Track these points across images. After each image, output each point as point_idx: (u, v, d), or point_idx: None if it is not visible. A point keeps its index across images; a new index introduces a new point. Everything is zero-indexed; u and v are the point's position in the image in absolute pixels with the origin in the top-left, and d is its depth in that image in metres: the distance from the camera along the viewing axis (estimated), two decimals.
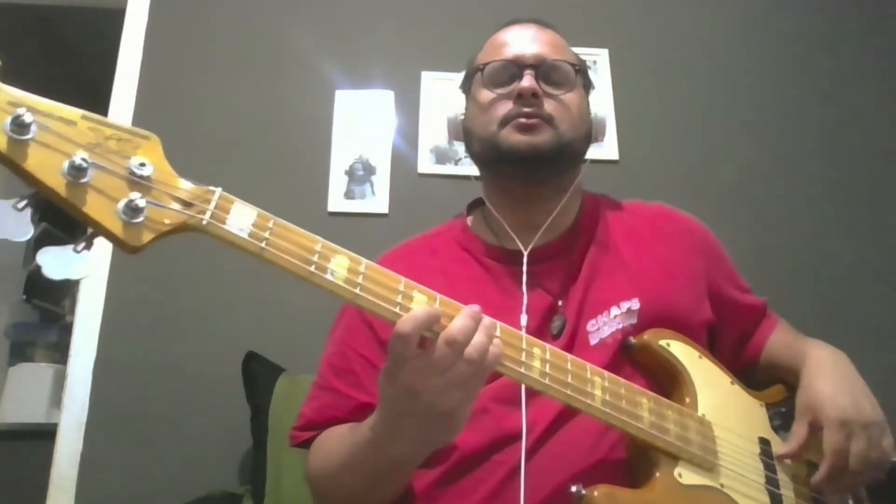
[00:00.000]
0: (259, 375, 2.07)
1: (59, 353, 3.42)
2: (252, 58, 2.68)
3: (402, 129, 2.62)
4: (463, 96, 1.34)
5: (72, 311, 2.92)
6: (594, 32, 2.72)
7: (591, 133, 1.28)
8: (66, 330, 2.81)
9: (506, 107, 1.20)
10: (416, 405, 0.82)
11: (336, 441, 1.07)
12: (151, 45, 2.66)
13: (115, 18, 2.68)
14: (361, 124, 2.61)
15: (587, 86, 1.32)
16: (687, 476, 0.98)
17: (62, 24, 3.64)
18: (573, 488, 0.92)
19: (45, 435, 2.37)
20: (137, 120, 2.53)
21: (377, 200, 2.51)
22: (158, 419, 2.23)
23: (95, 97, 2.64)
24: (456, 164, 2.53)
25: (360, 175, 2.54)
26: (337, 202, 2.50)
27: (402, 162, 2.57)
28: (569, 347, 1.09)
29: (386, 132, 2.61)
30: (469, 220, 1.34)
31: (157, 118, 2.52)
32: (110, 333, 2.32)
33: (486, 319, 0.84)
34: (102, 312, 2.34)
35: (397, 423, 0.87)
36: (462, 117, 1.32)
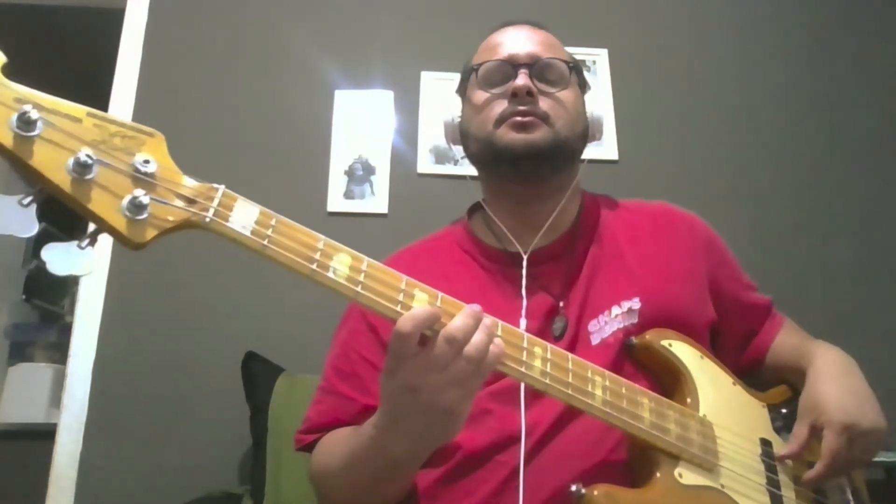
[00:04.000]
0: (258, 375, 2.07)
1: (59, 353, 3.42)
2: (252, 57, 2.68)
3: (402, 129, 2.63)
4: (459, 100, 1.34)
5: (71, 311, 2.92)
6: (594, 32, 2.73)
7: (587, 132, 1.27)
8: (66, 330, 2.81)
9: (501, 106, 1.20)
10: (416, 402, 0.82)
11: (339, 443, 1.07)
12: (151, 44, 2.66)
13: (114, 18, 2.68)
14: (361, 124, 2.61)
15: (582, 85, 1.31)
16: (687, 476, 0.98)
17: (62, 24, 3.63)
18: (573, 487, 0.91)
19: (44, 435, 2.38)
20: (137, 120, 2.43)
21: (377, 200, 2.52)
22: (158, 419, 2.24)
23: (95, 97, 2.64)
24: (455, 164, 2.53)
25: (359, 175, 2.54)
26: (336, 202, 2.51)
27: (402, 162, 2.58)
28: (571, 348, 1.08)
29: (385, 132, 2.62)
30: (470, 223, 1.34)
31: (156, 118, 2.48)
32: (110, 333, 2.33)
33: (487, 319, 0.84)
34: (102, 312, 2.34)
35: (397, 420, 0.87)
36: (458, 120, 1.31)
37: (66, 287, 3.68)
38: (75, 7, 3.16)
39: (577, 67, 1.28)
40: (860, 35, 2.89)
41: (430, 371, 0.80)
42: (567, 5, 2.73)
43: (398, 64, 2.70)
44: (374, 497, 1.03)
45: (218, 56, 2.69)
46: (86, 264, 0.65)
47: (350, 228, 2.42)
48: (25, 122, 0.63)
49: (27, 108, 0.64)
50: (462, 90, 1.33)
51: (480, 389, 0.85)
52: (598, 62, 2.70)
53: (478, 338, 0.81)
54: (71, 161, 0.66)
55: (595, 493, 0.91)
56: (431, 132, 2.57)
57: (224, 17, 2.74)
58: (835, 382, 1.14)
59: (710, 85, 2.77)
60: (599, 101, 2.63)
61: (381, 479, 0.99)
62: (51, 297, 3.79)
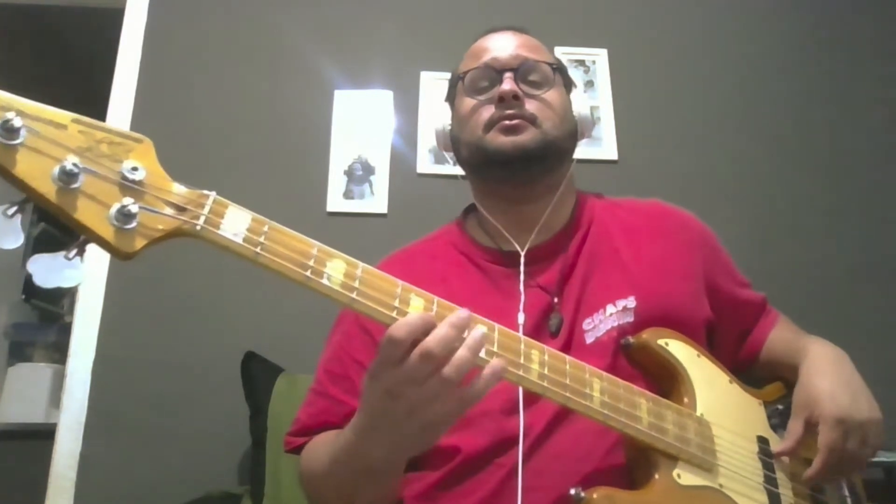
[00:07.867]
0: (258, 375, 2.07)
1: (58, 353, 3.42)
2: (251, 58, 2.68)
3: (401, 129, 2.63)
4: (449, 109, 1.36)
5: (71, 311, 2.91)
6: (594, 32, 2.72)
7: (576, 131, 1.29)
8: (65, 330, 2.81)
9: (488, 111, 1.22)
10: (395, 409, 0.80)
11: (323, 446, 1.07)
12: (150, 45, 2.66)
13: (114, 18, 2.68)
14: (360, 124, 2.61)
15: (568, 84, 1.33)
16: (686, 477, 0.98)
17: (62, 24, 3.64)
18: (572, 491, 0.91)
19: (44, 435, 2.38)
20: (136, 120, 2.53)
21: (376, 200, 2.51)
22: (157, 419, 2.23)
23: (94, 97, 2.66)
24: (455, 164, 2.52)
25: (359, 175, 2.54)
26: (336, 202, 2.50)
27: (401, 162, 2.57)
28: (566, 346, 1.10)
29: (385, 132, 2.61)
30: (465, 223, 1.35)
31: (156, 118, 2.53)
32: (109, 333, 2.33)
33: (475, 332, 0.80)
34: (101, 312, 2.35)
35: (374, 424, 0.86)
36: (449, 127, 1.34)
37: (66, 287, 3.67)
38: (75, 7, 3.17)
39: (561, 68, 1.31)
40: (861, 34, 2.88)
41: (407, 383, 0.78)
42: (567, 5, 2.71)
43: (398, 64, 2.70)
44: (359, 502, 1.02)
45: (217, 56, 2.69)
46: (73, 276, 0.64)
47: (349, 228, 2.42)
48: (8, 130, 0.62)
49: (10, 115, 0.62)
50: (451, 98, 1.35)
51: (472, 407, 0.82)
52: (598, 62, 2.68)
53: (460, 355, 0.78)
54: (56, 170, 0.64)
55: (595, 495, 0.90)
56: (431, 132, 2.54)
57: (224, 16, 2.73)
58: (827, 377, 1.14)
59: (710, 85, 2.76)
60: (599, 101, 2.63)
61: (360, 484, 0.97)
62: (50, 297, 3.79)
